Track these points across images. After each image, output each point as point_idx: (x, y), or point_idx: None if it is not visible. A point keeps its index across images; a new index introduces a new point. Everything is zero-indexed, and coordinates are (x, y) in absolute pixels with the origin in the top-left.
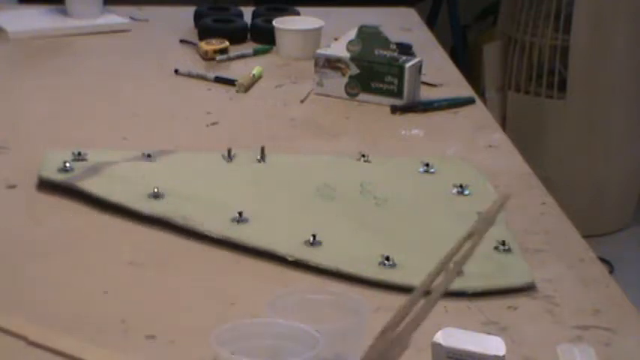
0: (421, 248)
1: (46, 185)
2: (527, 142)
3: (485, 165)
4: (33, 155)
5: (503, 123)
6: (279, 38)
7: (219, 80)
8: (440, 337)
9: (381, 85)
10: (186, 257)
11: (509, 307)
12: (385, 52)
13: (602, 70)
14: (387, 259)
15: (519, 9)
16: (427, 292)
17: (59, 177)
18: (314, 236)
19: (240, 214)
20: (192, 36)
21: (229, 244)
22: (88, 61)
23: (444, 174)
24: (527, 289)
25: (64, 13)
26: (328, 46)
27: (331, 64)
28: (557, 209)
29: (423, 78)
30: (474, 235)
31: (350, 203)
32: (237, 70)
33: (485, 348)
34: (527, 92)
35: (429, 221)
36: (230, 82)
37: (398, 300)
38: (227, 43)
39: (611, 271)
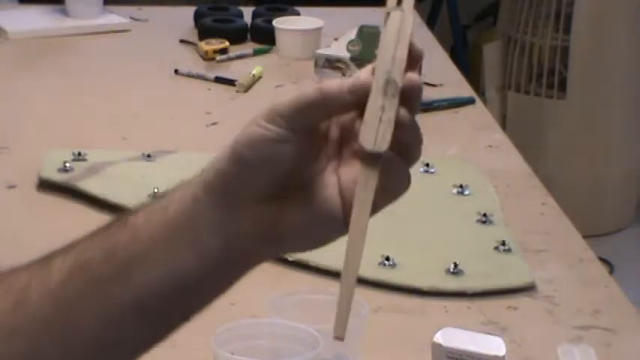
0: (421, 248)
1: (46, 185)
2: (527, 142)
3: (486, 165)
4: (33, 155)
5: (503, 123)
6: (280, 38)
7: (219, 80)
8: (440, 337)
9: None
10: None
11: (509, 308)
12: None
13: (602, 70)
14: (387, 259)
15: (519, 9)
16: None
17: (59, 177)
18: None
19: None
20: (192, 36)
21: None
22: (88, 61)
23: (444, 174)
24: (528, 289)
25: (64, 13)
26: (328, 46)
27: (331, 64)
28: (557, 209)
29: (423, 78)
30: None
31: None
32: (237, 70)
33: (485, 348)
34: (527, 92)
35: (429, 221)
36: (230, 82)
37: (398, 300)
38: (227, 43)
39: (611, 272)
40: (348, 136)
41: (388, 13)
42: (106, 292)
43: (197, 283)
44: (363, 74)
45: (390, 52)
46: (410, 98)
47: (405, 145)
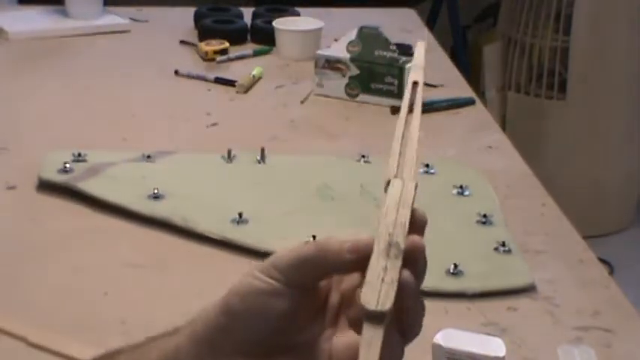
0: None
1: (46, 186)
2: (527, 142)
3: (486, 165)
4: (33, 156)
5: (503, 123)
6: (280, 39)
7: (219, 81)
8: (440, 338)
9: (380, 86)
10: (186, 258)
11: (509, 308)
12: (385, 53)
13: (602, 70)
14: None
15: (519, 10)
16: None
17: (59, 178)
18: (314, 237)
19: (240, 214)
20: (192, 37)
21: (229, 244)
22: (88, 62)
23: (444, 175)
24: (527, 290)
25: (64, 13)
26: (328, 46)
27: (331, 64)
28: (557, 210)
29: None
30: None
31: (350, 204)
32: (237, 70)
33: (485, 349)
34: (527, 93)
35: (428, 222)
36: (230, 83)
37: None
38: (227, 44)
39: (611, 272)
40: (348, 304)
41: (389, 181)
42: None
43: None
44: (364, 236)
45: (392, 216)
46: (412, 262)
47: (405, 313)
